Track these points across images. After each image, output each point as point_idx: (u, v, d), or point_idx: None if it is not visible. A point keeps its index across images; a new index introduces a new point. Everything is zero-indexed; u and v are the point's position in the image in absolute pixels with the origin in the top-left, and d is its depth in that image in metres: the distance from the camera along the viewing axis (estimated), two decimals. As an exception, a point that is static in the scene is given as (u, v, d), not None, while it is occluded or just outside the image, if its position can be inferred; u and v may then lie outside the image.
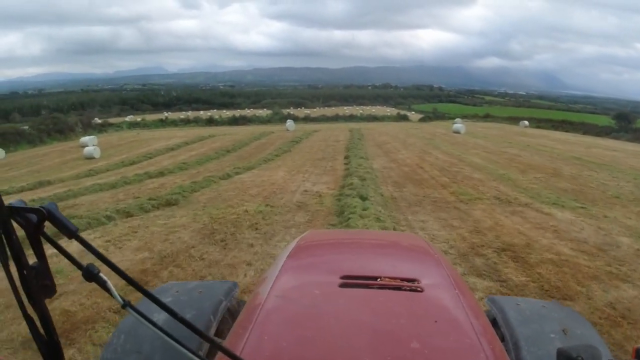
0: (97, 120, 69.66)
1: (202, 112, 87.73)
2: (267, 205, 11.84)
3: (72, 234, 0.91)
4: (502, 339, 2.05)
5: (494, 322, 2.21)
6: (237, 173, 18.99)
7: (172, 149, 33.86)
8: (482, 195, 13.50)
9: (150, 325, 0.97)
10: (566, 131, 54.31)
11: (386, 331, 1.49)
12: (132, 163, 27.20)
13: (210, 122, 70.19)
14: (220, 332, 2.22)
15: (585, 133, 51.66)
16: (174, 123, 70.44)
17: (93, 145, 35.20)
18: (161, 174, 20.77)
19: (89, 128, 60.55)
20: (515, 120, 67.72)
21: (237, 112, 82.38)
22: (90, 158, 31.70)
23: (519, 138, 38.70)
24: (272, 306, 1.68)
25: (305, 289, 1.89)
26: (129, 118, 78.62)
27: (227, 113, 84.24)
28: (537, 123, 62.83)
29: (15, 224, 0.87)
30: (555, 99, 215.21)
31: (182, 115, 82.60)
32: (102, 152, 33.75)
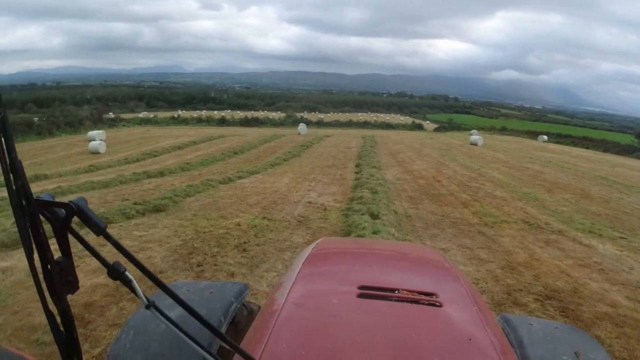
0: (110, 115, 69.17)
1: (216, 112, 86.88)
2: (264, 217, 10.40)
3: (101, 230, 0.91)
4: None
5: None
6: (239, 177, 17.64)
7: (179, 148, 32.73)
8: (509, 217, 11.95)
9: (172, 326, 0.98)
10: (586, 148, 52.48)
11: (406, 345, 1.45)
12: (136, 160, 26.08)
13: (222, 122, 69.24)
14: (230, 334, 2.17)
15: (605, 151, 49.92)
16: (186, 121, 69.59)
17: (99, 140, 34.16)
18: (161, 174, 19.55)
19: (99, 122, 59.96)
20: (533, 134, 66.11)
21: (250, 114, 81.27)
22: (95, 153, 30.72)
23: (540, 153, 36.97)
24: (289, 313, 1.64)
25: (323, 298, 1.83)
26: (143, 114, 77.78)
27: (240, 114, 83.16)
28: (556, 138, 61.02)
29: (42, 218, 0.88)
30: (572, 114, 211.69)
31: (195, 114, 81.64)
32: (108, 148, 32.81)
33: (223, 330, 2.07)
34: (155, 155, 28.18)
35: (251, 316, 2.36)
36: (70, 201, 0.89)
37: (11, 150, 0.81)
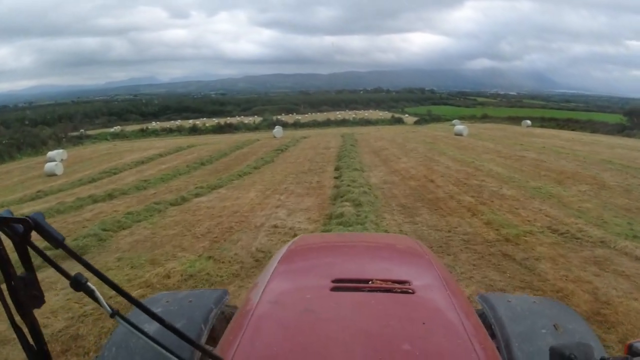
0: (81, 132, 65.51)
1: (191, 121, 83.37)
2: (209, 257, 7.55)
3: (59, 243, 0.93)
4: (494, 336, 2.02)
5: (485, 320, 2.18)
6: (197, 194, 14.84)
7: (143, 163, 29.84)
8: (532, 225, 9.32)
9: (140, 334, 0.99)
10: (573, 130, 50.73)
11: (378, 334, 1.46)
12: (92, 181, 23.27)
13: (194, 131, 65.99)
14: (212, 340, 2.15)
15: (594, 131, 48.16)
16: (155, 133, 66.19)
17: (56, 161, 31.23)
18: (110, 196, 16.78)
19: (64, 141, 56.57)
20: (515, 120, 64.66)
21: (223, 120, 78.08)
22: (51, 175, 27.90)
23: (530, 139, 34.76)
24: (263, 312, 1.65)
25: (296, 294, 1.86)
26: (114, 129, 74.10)
27: (214, 121, 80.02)
28: (540, 122, 59.38)
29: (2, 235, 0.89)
30: (547, 98, 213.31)
31: (168, 124, 78.01)
32: (67, 168, 30.12)
33: (204, 337, 2.06)
34: (114, 173, 25.44)
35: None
36: (27, 216, 0.89)
37: None
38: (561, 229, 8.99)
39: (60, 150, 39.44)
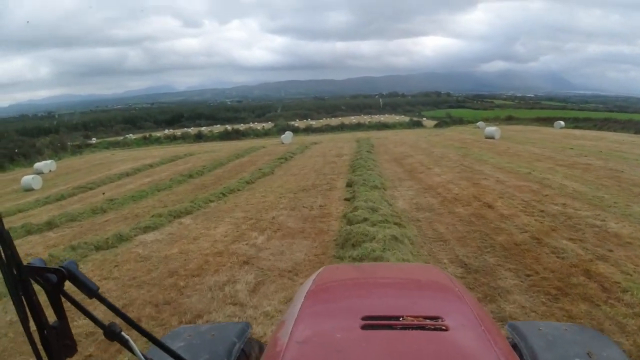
0: (76, 142, 62.09)
1: (202, 128, 79.40)
2: None
3: (93, 293, 0.93)
4: None
5: (516, 349, 2.04)
6: (147, 228, 10.43)
7: (128, 175, 25.75)
8: None
9: None
10: (614, 131, 45.11)
11: None
12: (60, 198, 19.40)
13: (199, 138, 61.87)
14: None
15: (637, 132, 42.65)
16: (158, 141, 62.24)
17: (36, 174, 27.64)
18: (49, 225, 13.02)
19: (61, 150, 53.06)
20: (545, 121, 58.93)
21: (231, 126, 73.85)
22: (29, 190, 24.16)
23: (576, 142, 29.44)
24: (293, 353, 1.52)
25: (327, 333, 1.68)
26: (124, 137, 70.66)
27: (221, 127, 76.02)
28: (574, 123, 53.75)
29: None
30: (565, 99, 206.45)
31: (175, 132, 74.14)
32: (49, 182, 26.46)
33: None
34: (90, 189, 21.57)
35: (255, 354, 2.24)
36: (61, 266, 0.89)
37: None
38: None
39: (49, 161, 36.57)
